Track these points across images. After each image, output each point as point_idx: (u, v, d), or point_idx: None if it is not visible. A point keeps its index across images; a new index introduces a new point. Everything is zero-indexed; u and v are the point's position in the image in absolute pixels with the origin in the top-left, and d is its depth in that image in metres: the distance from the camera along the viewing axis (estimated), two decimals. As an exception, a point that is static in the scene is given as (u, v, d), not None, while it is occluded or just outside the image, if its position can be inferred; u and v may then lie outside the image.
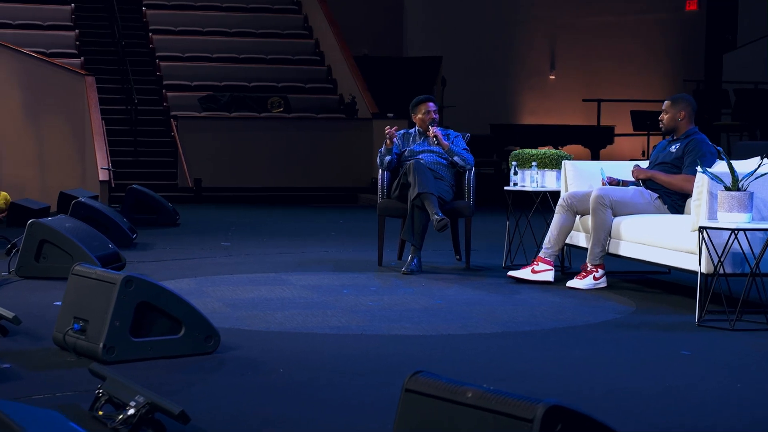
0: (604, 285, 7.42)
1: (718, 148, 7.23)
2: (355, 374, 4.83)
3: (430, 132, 8.52)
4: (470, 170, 8.51)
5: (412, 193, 8.08)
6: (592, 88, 22.37)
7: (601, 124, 21.10)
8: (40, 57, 17.63)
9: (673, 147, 7.51)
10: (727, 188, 6.11)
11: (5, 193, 15.86)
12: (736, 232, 6.04)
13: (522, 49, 23.79)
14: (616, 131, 20.89)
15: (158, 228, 11.48)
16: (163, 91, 19.44)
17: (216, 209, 15.20)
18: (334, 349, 5.38)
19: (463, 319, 6.21)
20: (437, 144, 8.50)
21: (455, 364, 5.07)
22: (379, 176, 8.57)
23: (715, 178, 6.20)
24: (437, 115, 8.65)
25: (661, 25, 23.17)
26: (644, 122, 19.44)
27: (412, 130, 8.76)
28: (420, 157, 8.49)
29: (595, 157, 19.82)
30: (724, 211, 6.08)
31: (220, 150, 18.18)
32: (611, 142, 20.64)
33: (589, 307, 6.68)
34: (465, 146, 8.64)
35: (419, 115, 8.65)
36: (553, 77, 23.47)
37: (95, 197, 12.59)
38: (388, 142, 8.44)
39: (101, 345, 4.86)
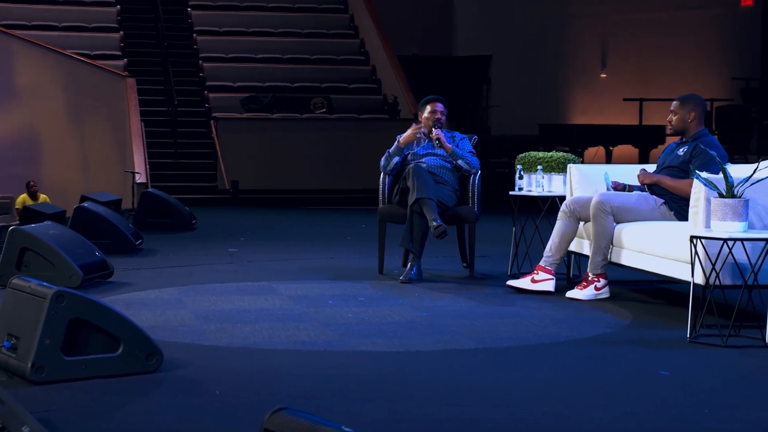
0: (606, 295, 7.05)
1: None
2: (296, 396, 4.53)
3: (433, 134, 8.19)
4: (476, 174, 8.16)
5: (411, 198, 7.76)
6: (643, 86, 21.84)
7: (654, 123, 20.58)
8: (82, 59, 17.59)
9: (681, 150, 7.11)
10: (721, 195, 5.72)
11: (45, 196, 15.83)
12: (728, 241, 5.65)
13: (572, 47, 23.32)
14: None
15: (172, 232, 11.27)
16: (205, 92, 19.29)
17: (248, 212, 15.00)
18: (289, 367, 5.09)
19: (441, 334, 5.89)
20: (440, 146, 8.17)
21: (407, 385, 4.75)
22: (381, 180, 8.26)
23: (708, 184, 5.82)
24: (443, 117, 8.30)
25: (715, 21, 22.56)
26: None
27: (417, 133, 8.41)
28: (423, 160, 8.16)
29: (644, 158, 19.31)
30: (717, 220, 5.69)
31: (260, 151, 17.99)
32: (662, 141, 20.10)
33: (580, 321, 6.32)
34: (471, 149, 8.30)
35: (424, 115, 8.32)
36: (604, 76, 22.97)
37: (117, 201, 12.44)
38: (401, 141, 8.12)
39: (29, 364, 4.60)
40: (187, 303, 6.78)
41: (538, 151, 8.33)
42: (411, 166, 7.93)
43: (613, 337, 5.88)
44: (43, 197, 15.71)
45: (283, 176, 17.92)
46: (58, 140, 17.29)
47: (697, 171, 6.26)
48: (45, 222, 7.93)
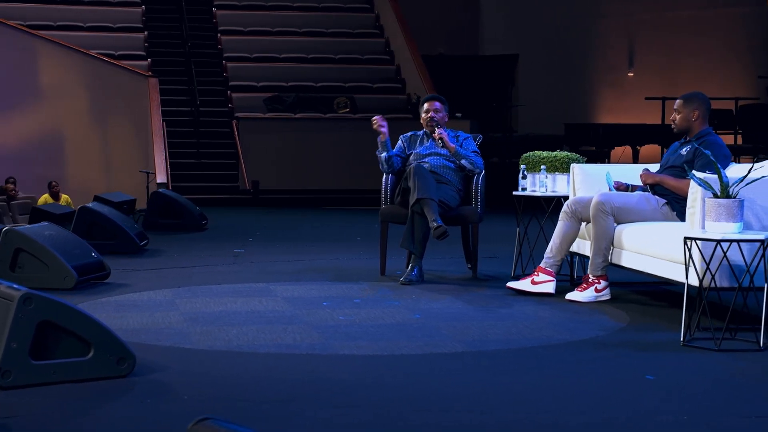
0: (606, 297, 6.91)
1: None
2: (266, 402, 4.43)
3: (435, 134, 8.06)
4: (479, 174, 8.03)
5: (412, 198, 7.65)
6: (671, 85, 21.56)
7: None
8: (105, 59, 17.61)
9: (684, 149, 6.96)
10: (715, 195, 5.57)
11: (66, 196, 15.83)
12: (722, 243, 5.50)
13: (600, 46, 23.09)
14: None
15: (182, 233, 11.21)
16: (229, 92, 19.25)
17: (266, 212, 14.95)
18: (266, 371, 4.99)
19: (430, 337, 5.77)
20: (442, 146, 8.04)
21: (383, 390, 4.64)
22: (383, 180, 8.14)
23: (702, 183, 5.67)
24: (441, 114, 8.16)
25: (742, 20, 22.25)
26: (711, 121, 18.60)
27: (419, 132, 8.31)
28: (426, 160, 8.04)
29: (671, 157, 19.05)
30: (711, 220, 5.54)
31: (281, 152, 17.92)
32: (689, 141, 19.85)
33: (575, 323, 6.18)
34: (475, 149, 8.16)
35: (423, 114, 8.20)
36: (632, 74, 22.72)
37: (132, 201, 12.40)
38: (381, 136, 8.02)
39: (-4, 368, 4.52)
40: (178, 305, 6.70)
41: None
42: (412, 165, 7.82)
43: (606, 341, 5.74)
44: (64, 197, 15.72)
45: (305, 176, 17.84)
46: (81, 140, 17.31)
47: (692, 171, 6.12)
48: (42, 222, 7.86)
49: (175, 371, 4.95)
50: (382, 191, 8.12)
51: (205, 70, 19.91)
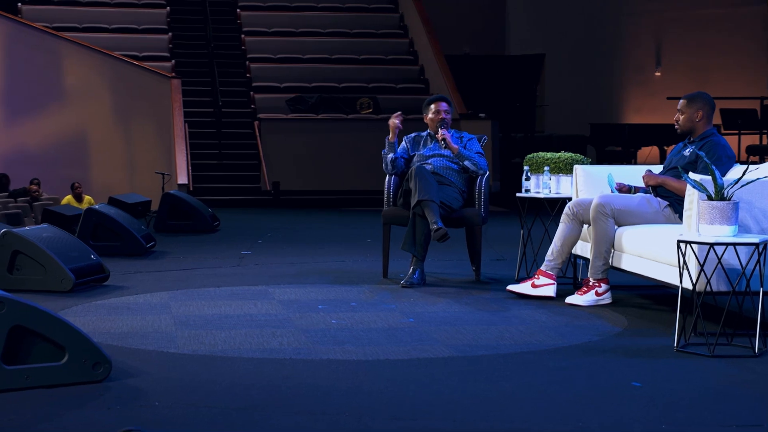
0: (607, 301, 6.80)
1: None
2: (234, 408, 4.35)
3: (439, 135, 7.97)
4: (483, 176, 7.93)
5: (413, 200, 7.56)
6: (699, 84, 21.29)
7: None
8: (128, 60, 17.62)
9: (687, 150, 6.83)
10: (710, 197, 5.45)
11: (89, 197, 15.85)
12: (714, 246, 5.38)
13: (627, 45, 22.89)
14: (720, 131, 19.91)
15: (192, 234, 11.17)
16: (251, 93, 19.22)
17: (285, 213, 14.91)
18: (243, 376, 4.92)
19: (418, 342, 5.68)
20: (445, 147, 7.95)
21: (356, 397, 4.55)
22: (386, 181, 8.06)
23: (697, 185, 5.55)
24: (448, 116, 8.07)
25: (771, 18, 22.01)
26: (735, 121, 18.42)
27: (423, 133, 8.21)
28: (430, 161, 7.95)
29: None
30: (705, 223, 5.42)
31: (303, 153, 17.87)
32: (716, 141, 19.63)
33: (570, 328, 6.08)
34: (479, 150, 8.07)
35: (429, 115, 8.11)
36: (659, 74, 22.50)
37: (146, 202, 12.39)
38: (391, 134, 7.94)
39: (-33, 373, 4.48)
40: (172, 308, 6.64)
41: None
42: (414, 167, 7.73)
43: (598, 346, 5.63)
44: (87, 199, 15.73)
45: (327, 177, 17.77)
46: (104, 141, 17.34)
47: (689, 173, 6.01)
48: (41, 225, 7.83)
49: (152, 376, 4.89)
50: (385, 193, 8.03)
51: (228, 71, 19.88)
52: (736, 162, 6.78)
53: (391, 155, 7.96)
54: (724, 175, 6.43)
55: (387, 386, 4.75)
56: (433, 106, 8.11)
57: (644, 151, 20.14)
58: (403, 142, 8.20)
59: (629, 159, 19.96)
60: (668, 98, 20.08)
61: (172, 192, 11.83)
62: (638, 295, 7.23)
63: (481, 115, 18.52)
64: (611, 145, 20.24)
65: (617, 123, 21.67)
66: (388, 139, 7.97)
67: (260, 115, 18.42)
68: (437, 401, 4.50)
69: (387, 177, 8.07)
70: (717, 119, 19.40)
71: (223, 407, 4.36)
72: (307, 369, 5.07)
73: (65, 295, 7.03)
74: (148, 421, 4.16)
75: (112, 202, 12.21)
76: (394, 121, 7.96)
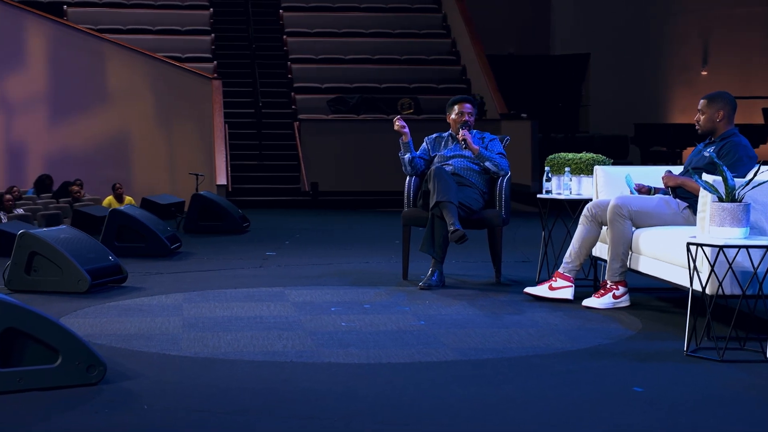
0: (626, 304, 6.68)
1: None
2: (224, 413, 4.31)
3: (459, 135, 7.90)
4: (504, 176, 7.84)
5: (431, 201, 7.49)
6: (746, 83, 21.04)
7: (754, 122, 19.84)
8: (170, 61, 17.68)
9: (708, 151, 6.70)
10: (720, 199, 5.33)
11: (130, 198, 15.92)
12: (724, 248, 5.26)
13: (673, 44, 22.62)
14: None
15: (221, 235, 11.17)
16: (292, 93, 19.22)
17: (321, 214, 14.88)
18: (240, 379, 4.87)
19: (425, 345, 5.61)
20: (466, 147, 7.87)
21: (349, 401, 4.49)
22: (406, 182, 7.99)
23: (708, 186, 5.43)
24: (471, 118, 7.99)
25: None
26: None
27: (444, 134, 8.14)
28: (450, 162, 7.88)
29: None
30: (715, 225, 5.31)
31: (343, 153, 17.84)
32: (763, 141, 19.38)
33: (582, 331, 5.98)
34: (501, 150, 7.97)
35: (452, 116, 8.04)
36: (706, 73, 22.22)
37: (179, 203, 12.41)
38: (404, 137, 7.88)
39: (-41, 375, 4.47)
40: (184, 309, 6.61)
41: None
42: (433, 168, 7.66)
43: (607, 350, 5.53)
44: (128, 199, 15.80)
45: (366, 178, 17.72)
46: (146, 142, 17.41)
47: (696, 174, 5.90)
48: (60, 226, 7.85)
49: (148, 379, 4.85)
50: (405, 194, 7.98)
51: (270, 71, 19.90)
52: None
53: (408, 155, 7.91)
54: (744, 175, 6.29)
55: (383, 390, 4.68)
56: (456, 107, 8.03)
57: (689, 152, 19.87)
58: (424, 143, 8.14)
59: (674, 159, 19.70)
60: (703, 98, 19.82)
61: (202, 193, 11.83)
62: (657, 297, 7.11)
63: (523, 115, 18.38)
64: (656, 145, 20.01)
65: (662, 123, 21.43)
66: (401, 141, 7.92)
67: (301, 116, 18.42)
68: (432, 406, 4.42)
69: (407, 178, 8.00)
70: (759, 118, 19.13)
71: (212, 411, 4.32)
72: (306, 372, 5.02)
73: (81, 296, 7.03)
74: (132, 425, 4.13)
75: (145, 202, 12.26)
76: (398, 123, 7.90)
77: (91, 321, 6.19)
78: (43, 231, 7.39)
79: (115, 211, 9.19)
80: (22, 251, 7.21)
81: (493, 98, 18.63)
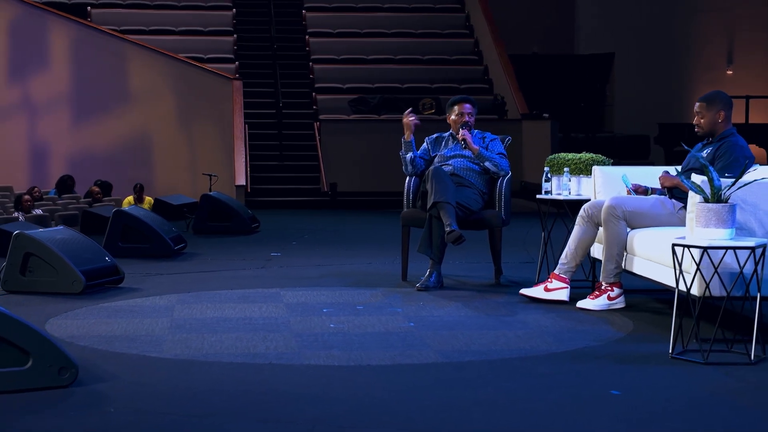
0: (621, 305, 6.60)
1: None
2: (191, 416, 4.27)
3: (459, 135, 7.84)
4: (504, 177, 7.78)
5: (429, 202, 7.43)
6: (768, 82, 20.87)
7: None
8: (191, 62, 17.73)
9: (705, 151, 6.61)
10: (706, 200, 5.25)
11: (150, 198, 15.95)
12: (708, 250, 5.18)
13: (697, 43, 22.43)
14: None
15: (229, 236, 11.15)
16: (313, 94, 19.21)
17: (338, 214, 14.85)
18: (213, 382, 4.84)
19: (410, 347, 5.56)
20: (465, 147, 7.81)
21: (318, 405, 4.43)
22: (405, 182, 7.94)
23: (693, 186, 5.35)
24: (471, 118, 7.93)
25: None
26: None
27: (445, 134, 8.08)
28: (450, 162, 7.82)
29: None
30: (700, 226, 5.22)
31: (364, 154, 17.81)
32: (789, 140, 19.20)
33: (572, 333, 5.91)
34: (502, 150, 7.91)
35: (452, 116, 7.97)
36: (731, 72, 22.02)
37: (192, 203, 12.40)
38: (407, 133, 7.82)
39: (-73, 377, 4.46)
40: (175, 311, 6.59)
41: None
42: (431, 168, 7.60)
43: (593, 352, 5.46)
44: (148, 200, 15.83)
45: (386, 178, 17.64)
46: (168, 143, 17.47)
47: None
48: (57, 227, 7.85)
49: (122, 382, 4.83)
50: (404, 194, 7.92)
51: (291, 72, 19.90)
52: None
53: (409, 154, 7.85)
54: (742, 176, 6.20)
55: (357, 393, 4.64)
56: (456, 107, 7.97)
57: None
58: (424, 143, 8.08)
59: (698, 159, 19.53)
60: (736, 97, 19.66)
61: (211, 193, 11.83)
62: (654, 299, 7.03)
63: (545, 115, 18.28)
64: (679, 144, 19.84)
65: (686, 122, 21.24)
66: (404, 139, 7.86)
67: (321, 116, 18.41)
68: (402, 409, 4.37)
69: (407, 178, 7.95)
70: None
71: (179, 414, 4.29)
72: (284, 375, 4.98)
73: (75, 297, 7.02)
74: (98, 429, 4.10)
75: (158, 203, 12.26)
76: (409, 118, 7.84)
77: (80, 322, 6.18)
78: (38, 231, 7.38)
79: (119, 211, 9.19)
80: (17, 252, 7.21)
81: (515, 98, 18.55)
